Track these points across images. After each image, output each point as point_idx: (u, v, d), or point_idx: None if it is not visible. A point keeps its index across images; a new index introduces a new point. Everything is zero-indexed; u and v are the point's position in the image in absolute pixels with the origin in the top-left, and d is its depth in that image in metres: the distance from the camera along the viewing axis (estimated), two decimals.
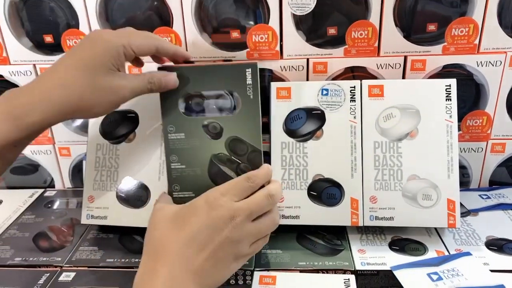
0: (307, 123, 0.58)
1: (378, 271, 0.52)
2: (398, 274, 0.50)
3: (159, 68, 0.53)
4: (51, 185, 0.76)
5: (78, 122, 0.71)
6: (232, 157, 0.53)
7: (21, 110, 0.43)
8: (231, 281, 0.52)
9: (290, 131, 0.58)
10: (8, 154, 0.46)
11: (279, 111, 0.59)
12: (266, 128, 0.60)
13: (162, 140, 0.58)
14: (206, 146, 0.53)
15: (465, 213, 0.63)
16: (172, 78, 0.51)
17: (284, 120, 0.59)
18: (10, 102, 0.44)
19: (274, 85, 0.60)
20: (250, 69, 0.52)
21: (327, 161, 0.58)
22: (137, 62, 0.54)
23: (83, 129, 0.71)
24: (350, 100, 0.58)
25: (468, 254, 0.54)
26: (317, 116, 0.58)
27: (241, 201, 0.45)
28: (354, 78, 0.63)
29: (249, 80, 0.52)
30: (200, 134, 0.53)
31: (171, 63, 0.55)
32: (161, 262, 0.42)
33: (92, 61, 0.45)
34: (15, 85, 0.67)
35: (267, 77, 0.65)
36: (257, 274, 0.52)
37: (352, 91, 0.58)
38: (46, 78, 0.45)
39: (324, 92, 0.58)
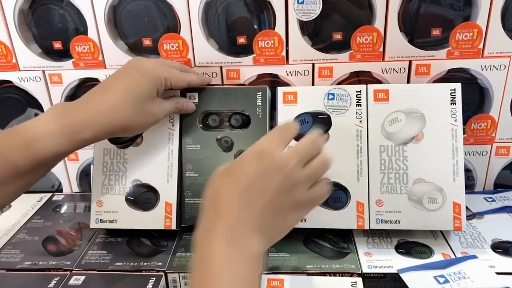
0: (313, 127, 0.58)
1: (385, 274, 0.52)
2: (405, 277, 0.51)
3: (182, 90, 0.60)
4: (59, 190, 0.76)
5: None
6: None
7: (76, 127, 0.49)
8: None
9: (297, 136, 0.59)
10: (53, 163, 0.51)
11: (285, 115, 0.59)
12: None
13: (170, 143, 0.60)
14: (217, 157, 0.59)
15: (471, 216, 0.63)
16: (192, 106, 0.60)
17: None
18: (65, 118, 0.49)
19: (280, 90, 0.60)
20: (260, 92, 0.59)
21: (333, 165, 0.57)
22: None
23: None
24: (356, 105, 0.58)
25: (474, 257, 0.54)
26: (323, 120, 0.59)
27: (288, 149, 0.45)
28: (359, 82, 0.64)
29: (259, 102, 0.59)
30: (213, 147, 0.59)
31: None
32: (220, 214, 0.41)
33: (140, 90, 0.51)
34: (24, 91, 0.68)
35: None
36: (264, 277, 0.52)
37: (358, 96, 0.58)
38: (99, 100, 0.51)
39: (330, 96, 0.59)
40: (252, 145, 0.45)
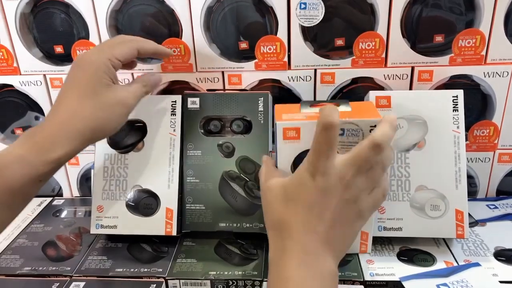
0: None
1: (387, 282, 0.52)
2: (407, 285, 0.50)
3: (184, 95, 0.61)
4: (59, 194, 0.76)
5: None
6: (241, 174, 0.59)
7: (42, 145, 0.45)
8: None
9: None
10: (31, 190, 0.47)
11: (286, 153, 0.49)
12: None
13: (171, 149, 0.60)
14: (219, 163, 0.59)
15: (473, 223, 0.63)
16: (158, 77, 0.56)
17: (293, 162, 0.49)
18: (31, 139, 0.46)
19: (280, 126, 0.48)
20: (262, 98, 0.59)
21: None
22: (129, 66, 0.58)
23: None
24: None
25: (477, 264, 0.54)
26: None
27: (344, 156, 0.41)
28: (360, 88, 0.64)
29: (261, 107, 0.59)
30: (214, 152, 0.59)
31: (194, 90, 0.65)
32: (290, 238, 0.41)
33: (89, 84, 0.48)
34: (25, 95, 0.68)
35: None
36: (266, 285, 0.52)
37: (372, 130, 0.45)
38: (58, 112, 0.47)
39: (340, 132, 0.45)
40: (303, 164, 0.42)
